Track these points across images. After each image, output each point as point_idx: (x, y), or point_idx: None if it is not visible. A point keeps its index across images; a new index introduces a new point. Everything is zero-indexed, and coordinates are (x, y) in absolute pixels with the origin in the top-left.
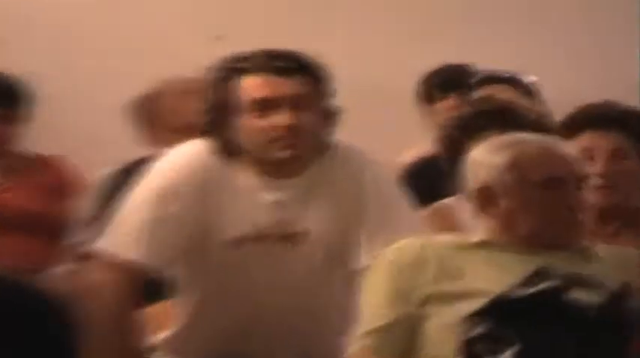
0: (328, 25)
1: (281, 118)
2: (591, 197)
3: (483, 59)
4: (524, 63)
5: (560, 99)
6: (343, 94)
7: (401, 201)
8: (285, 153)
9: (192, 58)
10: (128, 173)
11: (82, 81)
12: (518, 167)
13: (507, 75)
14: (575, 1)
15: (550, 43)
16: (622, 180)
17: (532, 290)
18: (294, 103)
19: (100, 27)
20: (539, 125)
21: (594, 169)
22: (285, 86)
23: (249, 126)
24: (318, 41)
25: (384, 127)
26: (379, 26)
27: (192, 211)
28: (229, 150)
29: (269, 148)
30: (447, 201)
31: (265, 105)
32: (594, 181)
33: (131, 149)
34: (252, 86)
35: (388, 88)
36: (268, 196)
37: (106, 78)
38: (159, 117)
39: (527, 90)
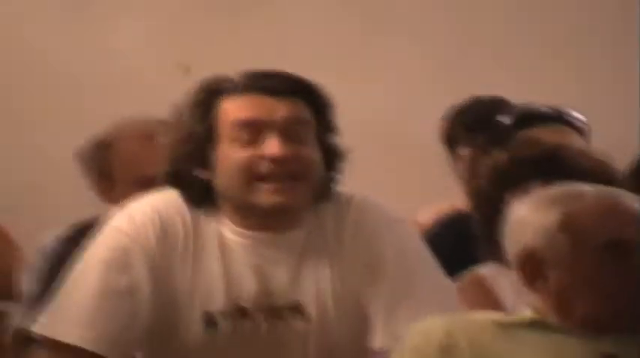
0: (322, 54)
1: (269, 147)
2: None
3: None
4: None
5: None
6: (348, 136)
7: (431, 270)
8: (273, 199)
9: (156, 92)
10: (77, 237)
11: (24, 121)
12: (572, 228)
13: (555, 110)
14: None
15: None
16: None
17: None
18: (287, 130)
19: (50, 57)
20: (598, 174)
21: None
22: (277, 108)
23: (228, 158)
24: (311, 72)
25: (399, 177)
26: (393, 55)
27: (149, 282)
28: (202, 196)
29: (252, 190)
30: (482, 269)
31: (249, 131)
32: None
33: (82, 207)
34: (233, 108)
35: (404, 130)
36: (250, 258)
37: (56, 117)
38: (114, 168)
39: (580, 130)
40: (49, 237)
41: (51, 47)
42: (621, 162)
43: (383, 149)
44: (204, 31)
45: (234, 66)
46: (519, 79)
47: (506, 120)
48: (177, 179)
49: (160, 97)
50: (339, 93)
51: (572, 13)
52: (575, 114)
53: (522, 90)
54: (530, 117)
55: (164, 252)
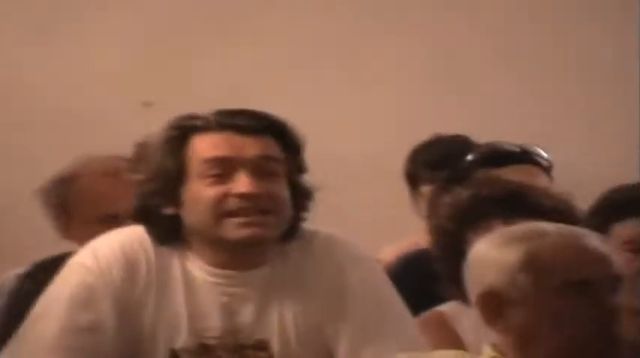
0: (291, 83)
1: (239, 184)
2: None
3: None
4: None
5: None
6: (315, 171)
7: (396, 309)
8: (242, 233)
9: (117, 127)
10: (38, 274)
11: None
12: (535, 267)
13: (520, 149)
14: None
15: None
16: None
17: None
18: (257, 168)
19: (12, 93)
20: (560, 212)
21: None
22: (247, 146)
23: (197, 195)
24: (279, 105)
25: (366, 213)
26: (359, 85)
27: (114, 318)
28: (169, 232)
29: (220, 225)
30: (443, 308)
31: (220, 169)
32: None
33: (41, 246)
34: (204, 145)
35: (374, 164)
36: (217, 295)
37: (16, 154)
38: (74, 204)
39: (546, 169)
40: (9, 275)
41: (15, 81)
42: (622, 164)
43: (349, 182)
44: (166, 65)
45: (198, 99)
46: (523, 81)
47: (470, 158)
48: (144, 215)
49: (123, 132)
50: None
51: (572, 13)
52: (541, 151)
53: (526, 96)
54: (495, 157)
55: (128, 288)
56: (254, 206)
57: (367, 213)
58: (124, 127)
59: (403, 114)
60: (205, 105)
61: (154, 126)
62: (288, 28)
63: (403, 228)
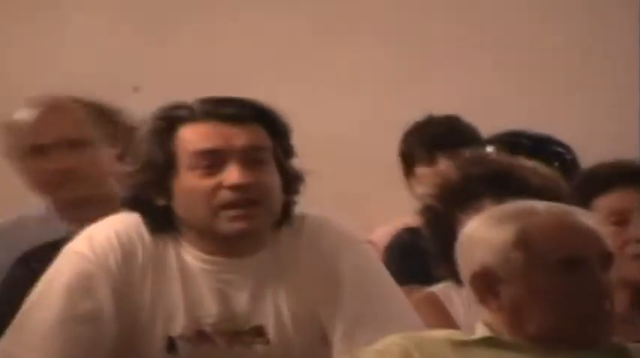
0: (275, 68)
1: (230, 176)
2: (626, 270)
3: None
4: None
5: None
6: (304, 154)
7: (390, 291)
8: (235, 226)
9: None
10: (28, 265)
11: None
12: (527, 245)
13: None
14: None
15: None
16: None
17: None
18: (246, 158)
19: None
20: (547, 190)
21: (632, 234)
22: (236, 136)
23: (189, 188)
24: (265, 91)
25: (357, 197)
26: (349, 69)
27: (112, 306)
28: (162, 221)
29: (214, 218)
30: (435, 288)
31: (209, 160)
32: (631, 249)
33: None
34: (192, 137)
35: (362, 146)
36: (212, 282)
37: None
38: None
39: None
40: None
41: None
42: (622, 142)
43: (339, 165)
44: (151, 51)
45: (183, 85)
46: (500, 83)
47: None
48: (137, 205)
49: None
50: (294, 105)
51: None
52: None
53: (507, 96)
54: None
55: (125, 276)
56: (245, 197)
57: (354, 196)
58: None
59: (381, 101)
60: (191, 90)
61: (143, 109)
62: (264, 23)
63: (390, 211)
